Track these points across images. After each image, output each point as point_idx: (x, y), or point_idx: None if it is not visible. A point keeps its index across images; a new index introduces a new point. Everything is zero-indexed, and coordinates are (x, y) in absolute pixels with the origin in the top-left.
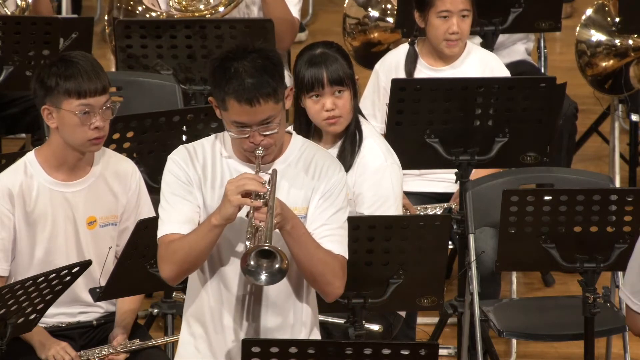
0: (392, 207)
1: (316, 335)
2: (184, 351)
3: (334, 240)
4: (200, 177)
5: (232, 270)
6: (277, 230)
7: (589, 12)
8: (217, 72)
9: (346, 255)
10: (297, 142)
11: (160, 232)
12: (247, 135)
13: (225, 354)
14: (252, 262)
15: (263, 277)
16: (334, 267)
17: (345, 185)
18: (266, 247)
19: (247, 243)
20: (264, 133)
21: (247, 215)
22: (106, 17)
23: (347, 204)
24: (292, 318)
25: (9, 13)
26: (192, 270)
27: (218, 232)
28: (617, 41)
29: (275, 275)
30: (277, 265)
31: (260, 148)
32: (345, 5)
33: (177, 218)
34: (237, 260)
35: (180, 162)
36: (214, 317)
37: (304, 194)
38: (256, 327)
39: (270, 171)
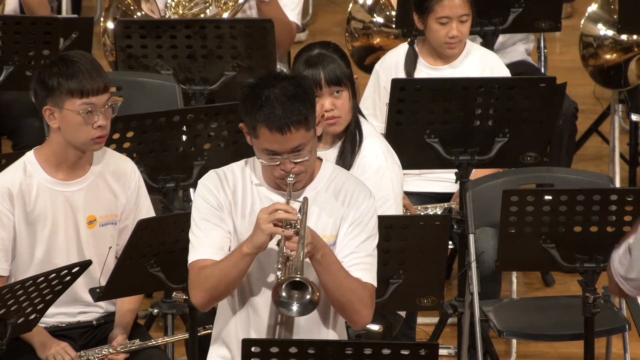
0: (393, 207)
1: None
2: None
3: (362, 268)
4: (231, 202)
5: (262, 299)
6: (306, 259)
7: (594, 7)
8: (248, 100)
9: (375, 284)
10: (328, 169)
11: (192, 258)
12: (277, 163)
13: None
14: (283, 294)
15: (295, 308)
16: (363, 295)
17: (375, 212)
18: (297, 279)
19: (278, 273)
20: (295, 161)
21: (278, 244)
22: (102, 16)
23: (376, 232)
24: None
25: None
26: (223, 298)
27: (249, 261)
28: (623, 36)
29: (306, 307)
30: (308, 297)
31: (291, 176)
32: (350, 7)
33: (209, 244)
34: (267, 289)
35: (211, 187)
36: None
37: (333, 221)
38: None
39: (301, 199)
